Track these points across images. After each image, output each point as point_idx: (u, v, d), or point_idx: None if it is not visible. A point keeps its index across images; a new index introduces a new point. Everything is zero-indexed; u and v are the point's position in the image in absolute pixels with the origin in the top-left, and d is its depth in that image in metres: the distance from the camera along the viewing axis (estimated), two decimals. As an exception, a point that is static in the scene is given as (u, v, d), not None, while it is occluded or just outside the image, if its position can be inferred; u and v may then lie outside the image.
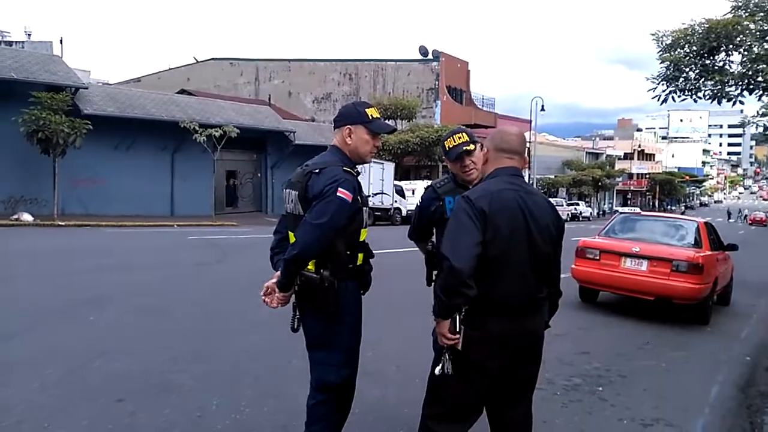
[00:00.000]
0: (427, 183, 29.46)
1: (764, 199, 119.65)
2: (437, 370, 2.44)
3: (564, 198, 49.44)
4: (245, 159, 28.21)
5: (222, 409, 3.87)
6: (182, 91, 32.88)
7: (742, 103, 13.50)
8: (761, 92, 13.15)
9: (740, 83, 13.30)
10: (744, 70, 13.31)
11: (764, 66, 13.05)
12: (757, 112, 12.43)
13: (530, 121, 42.52)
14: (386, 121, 3.04)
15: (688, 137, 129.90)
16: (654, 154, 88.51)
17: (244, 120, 25.40)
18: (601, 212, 60.08)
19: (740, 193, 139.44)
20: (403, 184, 28.96)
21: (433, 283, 3.47)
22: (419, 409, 2.68)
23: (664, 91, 14.48)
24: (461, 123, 35.37)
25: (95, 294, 7.28)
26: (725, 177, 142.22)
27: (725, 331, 7.74)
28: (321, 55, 66.16)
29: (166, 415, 3.73)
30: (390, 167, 27.71)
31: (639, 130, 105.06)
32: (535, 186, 45.28)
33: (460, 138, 3.15)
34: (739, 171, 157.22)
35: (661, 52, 14.45)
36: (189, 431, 3.54)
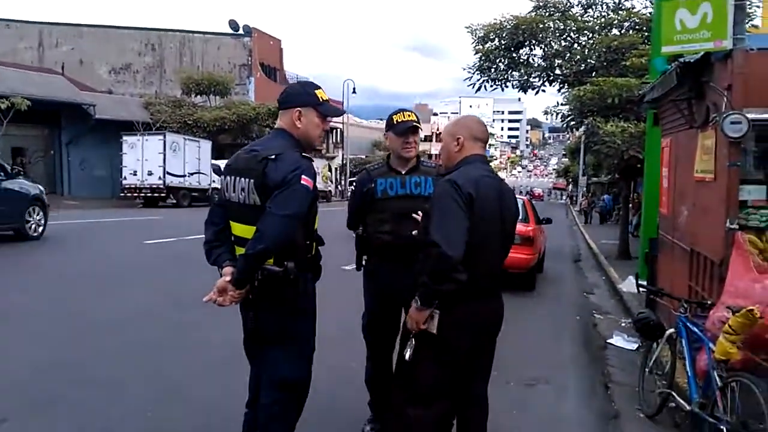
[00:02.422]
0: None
1: (538, 177, 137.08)
2: (407, 355, 2.48)
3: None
4: (35, 134, 24.81)
5: (127, 419, 3.48)
6: (-55, 54, 27.72)
7: (544, 92, 15.29)
8: (559, 84, 15.00)
9: (542, 75, 15.03)
10: (545, 64, 15.05)
11: (561, 61, 14.89)
12: (557, 102, 14.27)
13: (341, 103, 43.45)
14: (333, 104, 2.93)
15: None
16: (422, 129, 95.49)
17: (35, 90, 22.25)
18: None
19: (519, 172, 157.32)
20: (221, 163, 27.78)
21: (362, 267, 3.49)
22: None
23: (478, 80, 15.80)
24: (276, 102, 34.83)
25: None
26: (508, 158, 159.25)
27: (549, 295, 8.81)
28: (117, 22, 59.93)
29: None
30: (207, 145, 26.46)
31: (435, 114, 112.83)
32: (348, 166, 46.73)
33: (409, 116, 3.26)
34: (518, 152, 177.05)
35: (474, 44, 15.68)
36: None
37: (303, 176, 2.48)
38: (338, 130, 48.79)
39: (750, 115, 3.96)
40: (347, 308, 4.94)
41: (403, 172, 3.31)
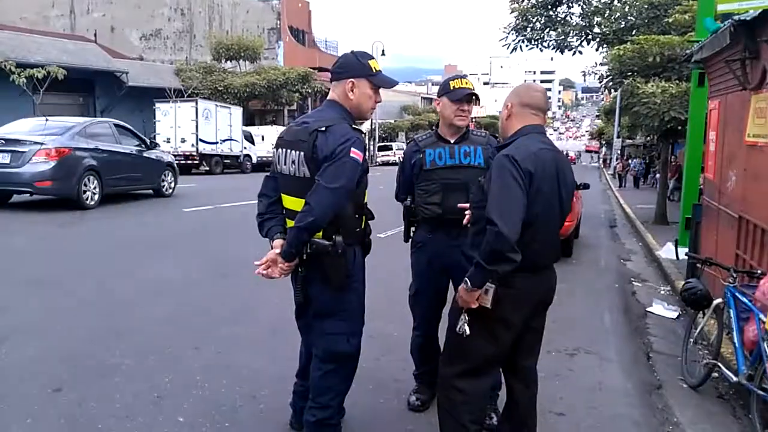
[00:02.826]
0: (275, 128, 28.51)
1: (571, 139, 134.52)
2: (459, 329, 2.44)
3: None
4: (71, 102, 25.08)
5: (178, 387, 3.59)
6: (-20, 23, 28.06)
7: (581, 53, 14.84)
8: (598, 43, 14.53)
9: (580, 34, 14.56)
10: (583, 23, 14.56)
11: (600, 19, 14.40)
12: (595, 62, 13.85)
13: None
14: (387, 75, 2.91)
15: (507, 83, 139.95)
16: (479, 99, 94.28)
17: (70, 59, 22.50)
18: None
19: (549, 134, 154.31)
20: (252, 129, 27.86)
21: (410, 239, 3.47)
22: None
23: (513, 40, 15.41)
24: (306, 66, 34.61)
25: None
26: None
27: (587, 262, 8.69)
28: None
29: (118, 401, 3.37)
30: (238, 112, 26.46)
31: (464, 75, 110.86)
32: (377, 131, 46.40)
33: (467, 83, 3.24)
34: (549, 114, 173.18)
35: (510, 2, 15.25)
36: (155, 414, 3.24)
37: (352, 149, 2.45)
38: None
39: (810, 78, 3.78)
40: (385, 277, 4.99)
41: (452, 141, 3.26)
